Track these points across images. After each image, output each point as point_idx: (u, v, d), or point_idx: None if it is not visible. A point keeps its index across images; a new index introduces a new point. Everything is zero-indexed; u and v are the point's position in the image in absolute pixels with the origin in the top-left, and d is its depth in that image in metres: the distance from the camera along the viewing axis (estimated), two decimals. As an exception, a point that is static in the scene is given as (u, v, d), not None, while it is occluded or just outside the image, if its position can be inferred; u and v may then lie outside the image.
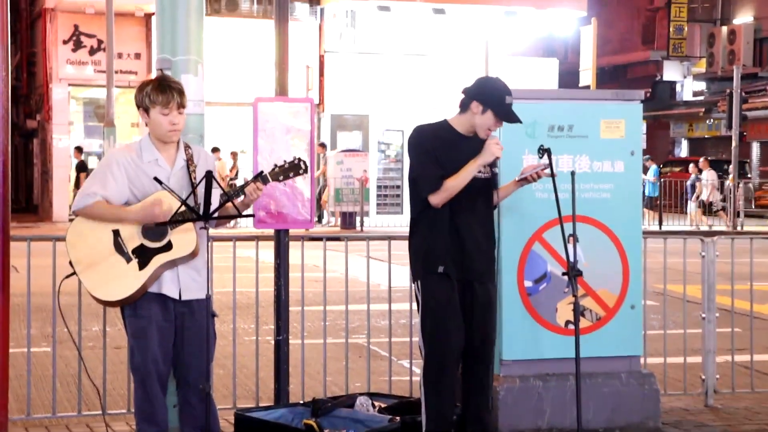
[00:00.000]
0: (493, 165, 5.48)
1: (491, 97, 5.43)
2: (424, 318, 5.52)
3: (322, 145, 26.26)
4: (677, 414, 6.96)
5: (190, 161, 5.09)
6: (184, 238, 4.99)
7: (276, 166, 5.22)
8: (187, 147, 5.15)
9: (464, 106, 5.52)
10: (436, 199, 5.38)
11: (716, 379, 7.31)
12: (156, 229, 4.97)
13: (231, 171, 27.00)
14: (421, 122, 5.64)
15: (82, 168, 26.89)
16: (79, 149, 27.76)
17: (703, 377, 7.31)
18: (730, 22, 39.12)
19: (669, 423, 6.67)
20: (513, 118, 5.48)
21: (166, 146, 5.10)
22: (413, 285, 5.63)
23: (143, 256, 4.97)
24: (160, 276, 5.00)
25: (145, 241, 4.99)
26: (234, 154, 27.22)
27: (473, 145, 5.45)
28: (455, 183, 5.36)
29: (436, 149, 5.42)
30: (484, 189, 5.53)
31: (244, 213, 5.12)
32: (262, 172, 5.15)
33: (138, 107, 5.09)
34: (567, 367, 6.06)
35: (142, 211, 4.97)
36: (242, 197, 5.07)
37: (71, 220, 5.55)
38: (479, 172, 5.44)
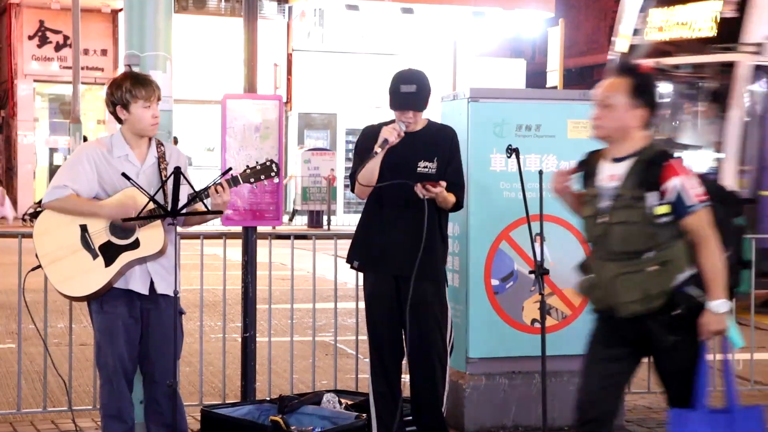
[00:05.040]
0: (382, 147, 5.25)
1: (390, 86, 5.38)
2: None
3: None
4: (641, 412, 7.02)
5: (161, 159, 5.05)
6: (151, 235, 4.95)
7: (248, 167, 5.20)
8: (159, 144, 5.11)
9: None
10: (355, 191, 5.42)
11: (680, 378, 7.37)
12: (124, 226, 4.94)
13: None
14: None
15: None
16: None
17: (667, 376, 7.37)
18: (696, 25, 39.43)
19: (633, 421, 6.73)
20: (401, 105, 5.31)
21: (139, 142, 5.05)
22: None
23: (110, 252, 4.93)
24: (126, 273, 4.97)
25: (113, 237, 4.95)
26: None
27: (414, 139, 5.37)
28: (361, 173, 5.32)
29: (369, 147, 5.32)
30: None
31: (213, 211, 5.09)
32: (230, 169, 5.13)
33: (114, 105, 4.99)
34: (533, 366, 6.10)
35: (118, 206, 4.92)
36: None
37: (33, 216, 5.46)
38: (424, 167, 5.37)
